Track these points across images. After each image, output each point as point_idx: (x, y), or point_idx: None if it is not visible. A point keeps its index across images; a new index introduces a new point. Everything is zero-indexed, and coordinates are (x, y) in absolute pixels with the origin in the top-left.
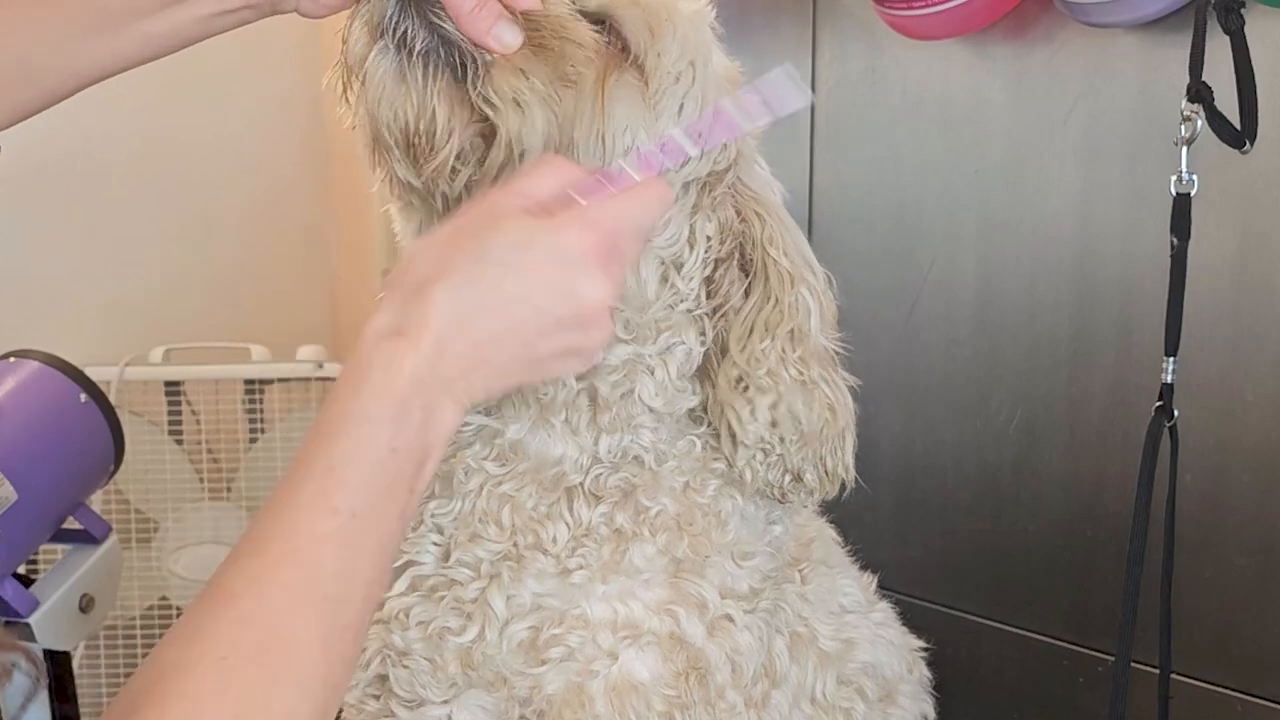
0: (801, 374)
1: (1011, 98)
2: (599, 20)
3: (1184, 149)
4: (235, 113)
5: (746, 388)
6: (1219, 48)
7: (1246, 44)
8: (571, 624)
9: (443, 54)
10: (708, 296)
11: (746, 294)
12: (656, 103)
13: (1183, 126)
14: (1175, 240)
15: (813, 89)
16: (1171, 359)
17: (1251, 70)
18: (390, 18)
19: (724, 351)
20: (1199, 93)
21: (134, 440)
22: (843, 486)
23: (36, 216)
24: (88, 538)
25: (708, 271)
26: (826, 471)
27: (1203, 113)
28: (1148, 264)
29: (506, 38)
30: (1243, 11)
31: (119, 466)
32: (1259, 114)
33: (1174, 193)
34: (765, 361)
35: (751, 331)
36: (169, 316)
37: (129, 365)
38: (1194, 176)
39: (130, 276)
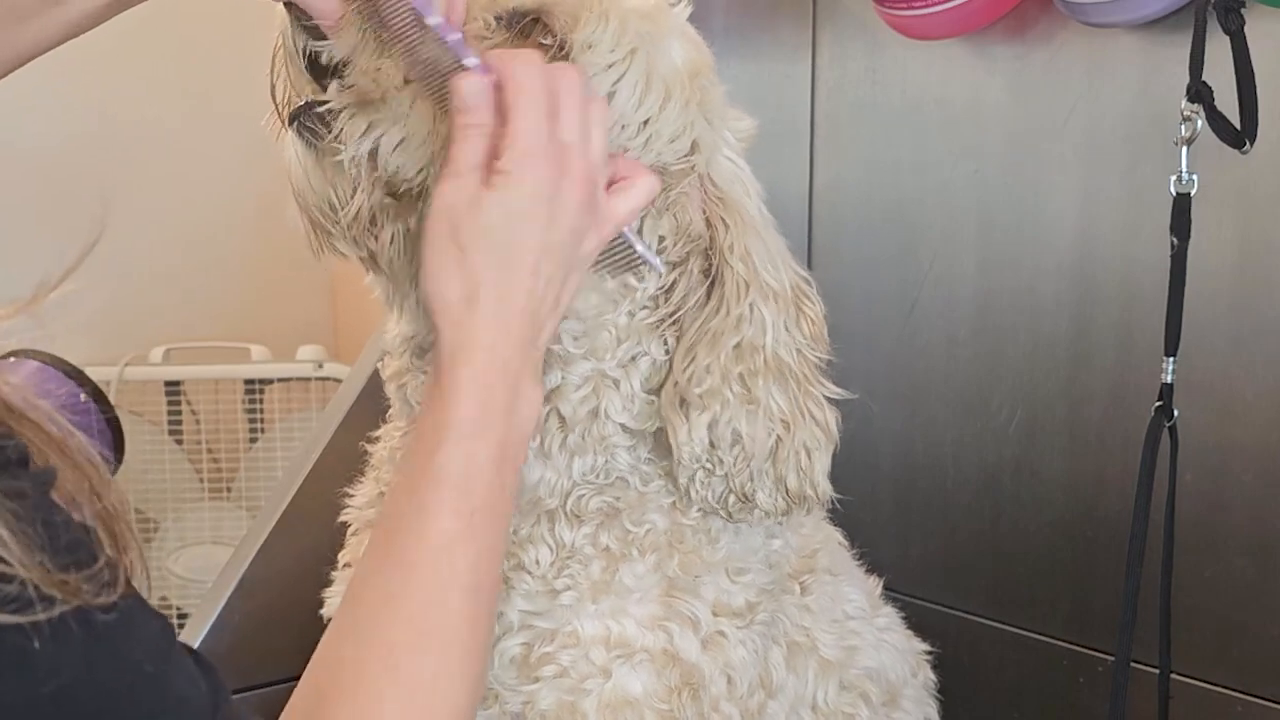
0: (746, 391)
1: (1011, 98)
2: (524, 15)
3: (1184, 149)
4: (236, 112)
5: (686, 405)
6: (1219, 48)
7: (1246, 44)
8: (563, 642)
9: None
10: (665, 302)
11: (707, 301)
12: None
13: (1183, 126)
14: (1175, 240)
15: (813, 89)
16: (1171, 359)
17: (1251, 70)
18: (296, 112)
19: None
20: (1199, 93)
21: (134, 440)
22: (830, 504)
23: (36, 216)
24: None
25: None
26: (789, 491)
27: (1203, 113)
28: (1148, 264)
29: None
30: (1243, 11)
31: (119, 466)
32: (1259, 114)
33: (1174, 192)
34: (707, 378)
35: (698, 344)
36: (169, 316)
37: (129, 365)
38: (1194, 176)
39: (130, 276)
